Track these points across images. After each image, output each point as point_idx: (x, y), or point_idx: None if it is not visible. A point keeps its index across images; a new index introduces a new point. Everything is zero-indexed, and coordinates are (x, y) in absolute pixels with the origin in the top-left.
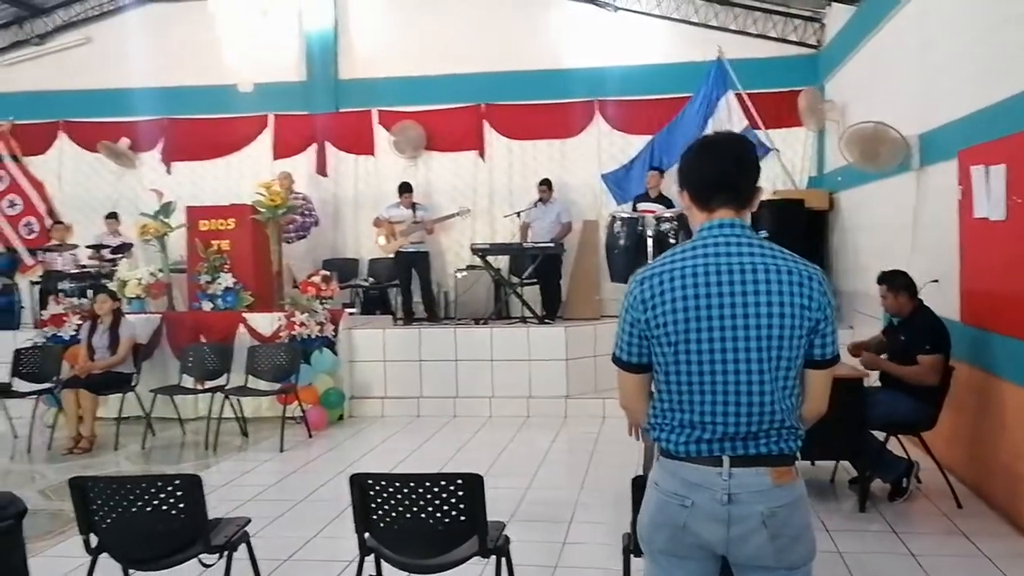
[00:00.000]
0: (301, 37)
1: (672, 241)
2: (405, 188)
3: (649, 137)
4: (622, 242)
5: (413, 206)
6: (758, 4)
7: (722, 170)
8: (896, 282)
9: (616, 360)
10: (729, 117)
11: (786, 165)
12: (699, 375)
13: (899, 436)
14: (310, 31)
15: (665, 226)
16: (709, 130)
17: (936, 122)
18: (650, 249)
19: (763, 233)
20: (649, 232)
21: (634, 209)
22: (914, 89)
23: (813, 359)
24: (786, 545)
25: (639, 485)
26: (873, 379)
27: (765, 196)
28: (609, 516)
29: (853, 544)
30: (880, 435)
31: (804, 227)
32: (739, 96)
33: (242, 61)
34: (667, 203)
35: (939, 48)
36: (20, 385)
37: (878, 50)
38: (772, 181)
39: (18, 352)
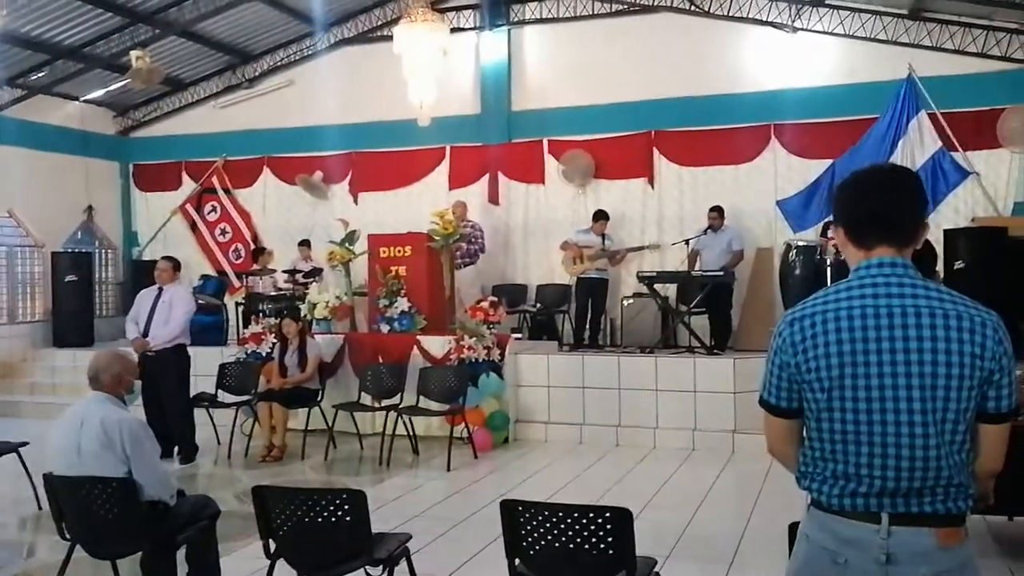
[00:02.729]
0: (477, 72)
1: None
2: (600, 215)
3: (829, 162)
4: (798, 271)
5: (603, 234)
6: (955, 18)
7: (880, 204)
8: None
9: (763, 403)
10: (921, 139)
11: (987, 190)
12: (855, 424)
13: None
14: (485, 65)
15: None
16: (898, 152)
17: None
18: (829, 279)
19: (959, 264)
20: (829, 261)
21: (824, 235)
22: None
23: (986, 412)
24: None
25: (795, 531)
26: None
27: (963, 224)
28: (773, 560)
29: None
30: None
31: (1008, 258)
32: (932, 116)
33: (424, 98)
34: None
35: None
36: (224, 396)
37: None
38: (971, 207)
39: (222, 366)
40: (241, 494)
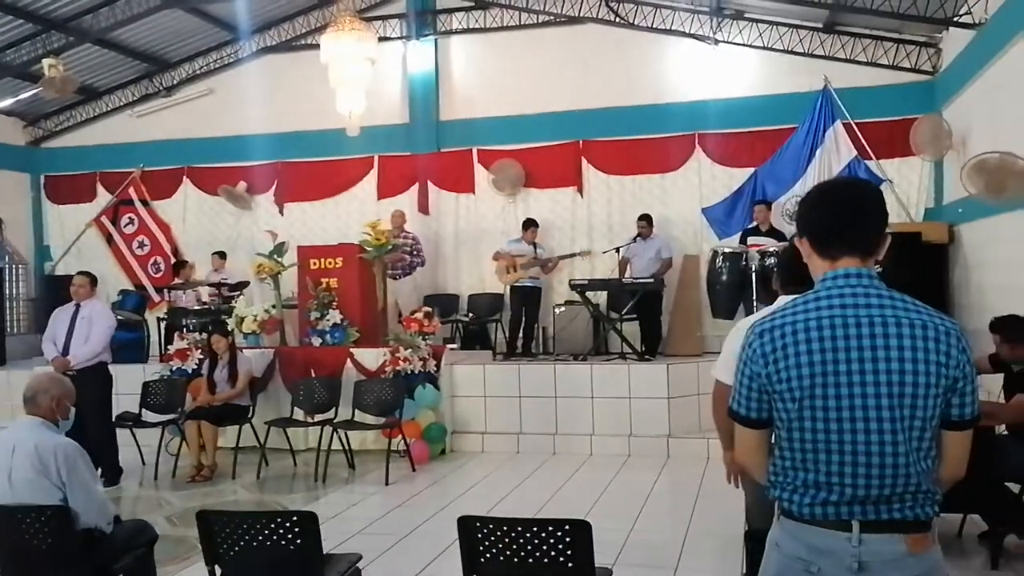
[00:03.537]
0: (404, 81)
1: None
2: (530, 223)
3: (752, 170)
4: (724, 277)
5: (534, 243)
6: (868, 31)
7: (844, 216)
8: (1011, 331)
9: (733, 414)
10: (837, 147)
11: (900, 196)
12: (825, 433)
13: None
14: (413, 75)
15: (770, 261)
16: (816, 161)
17: None
18: (754, 285)
19: (876, 268)
20: (753, 267)
21: (743, 243)
22: None
23: (950, 419)
24: None
25: (752, 538)
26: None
27: None
28: (717, 564)
29: None
30: (1015, 487)
31: (921, 262)
32: (847, 126)
33: (353, 107)
34: (779, 236)
35: None
36: (148, 415)
37: (1002, 76)
38: None
39: (146, 384)
40: (172, 516)
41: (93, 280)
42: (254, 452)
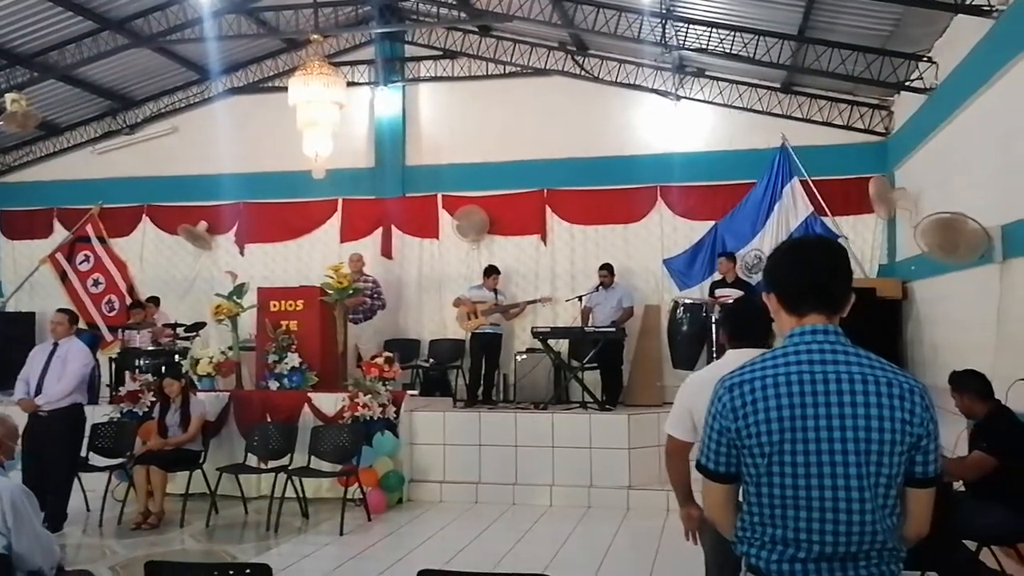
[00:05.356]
0: (371, 126)
1: None
2: (491, 270)
3: (712, 223)
4: (685, 328)
5: (495, 289)
6: (823, 92)
7: (812, 273)
8: (963, 384)
9: (701, 468)
10: (794, 203)
11: (855, 253)
12: (794, 489)
13: (992, 548)
14: (380, 120)
15: None
16: (775, 216)
17: (1020, 214)
18: (715, 336)
19: None
20: (714, 318)
21: (711, 295)
22: (995, 179)
23: (914, 476)
24: None
25: None
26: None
27: None
28: None
29: None
30: (972, 545)
31: (875, 317)
32: (804, 183)
33: (319, 150)
34: (746, 287)
35: (1022, 138)
36: (95, 459)
37: (953, 139)
38: None
39: (95, 426)
40: (117, 566)
41: (73, 318)
42: (204, 499)
